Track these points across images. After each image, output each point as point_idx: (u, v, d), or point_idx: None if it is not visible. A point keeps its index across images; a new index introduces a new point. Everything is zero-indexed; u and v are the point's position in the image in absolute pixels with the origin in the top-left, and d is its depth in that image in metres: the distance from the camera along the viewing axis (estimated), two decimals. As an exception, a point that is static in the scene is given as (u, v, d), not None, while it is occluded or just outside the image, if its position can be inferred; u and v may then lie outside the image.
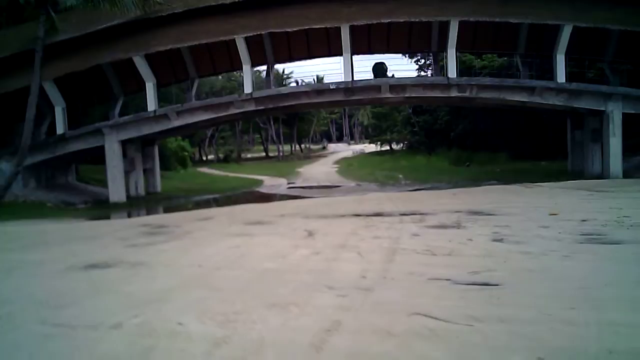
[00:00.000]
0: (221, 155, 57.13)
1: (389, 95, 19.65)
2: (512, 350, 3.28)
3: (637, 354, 3.20)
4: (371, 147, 55.03)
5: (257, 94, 20.24)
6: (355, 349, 3.41)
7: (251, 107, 20.17)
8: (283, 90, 21.98)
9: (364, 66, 74.95)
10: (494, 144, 31.75)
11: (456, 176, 24.30)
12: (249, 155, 63.78)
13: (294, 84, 48.53)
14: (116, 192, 19.68)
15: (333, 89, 19.81)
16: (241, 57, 19.44)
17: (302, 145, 67.84)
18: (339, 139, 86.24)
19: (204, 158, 58.67)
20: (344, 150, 63.22)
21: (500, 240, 7.17)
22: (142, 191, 21.65)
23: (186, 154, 37.66)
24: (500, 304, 4.24)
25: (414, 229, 8.69)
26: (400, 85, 19.97)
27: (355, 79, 19.87)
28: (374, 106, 51.67)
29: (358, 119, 75.02)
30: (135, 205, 19.06)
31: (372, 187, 22.51)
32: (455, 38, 18.48)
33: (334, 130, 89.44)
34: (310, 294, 4.79)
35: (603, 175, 18.93)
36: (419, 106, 39.00)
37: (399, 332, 3.66)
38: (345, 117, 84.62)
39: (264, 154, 64.92)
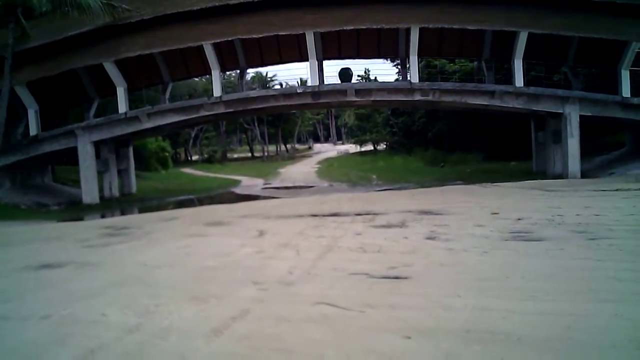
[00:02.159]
0: (206, 156, 57.40)
1: (355, 98, 20.28)
2: (384, 330, 3.73)
3: (491, 332, 3.64)
4: (356, 148, 55.71)
5: (226, 97, 20.73)
6: (250, 333, 3.84)
7: (221, 110, 20.69)
8: (252, 94, 22.65)
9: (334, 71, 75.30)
10: (468, 145, 32.49)
11: (427, 176, 24.95)
12: (235, 156, 64.20)
13: (277, 87, 49.11)
14: (89, 193, 20.02)
15: (300, 92, 20.43)
16: (210, 63, 19.93)
17: (288, 146, 68.32)
18: (327, 139, 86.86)
19: (190, 158, 59.00)
20: (329, 150, 63.83)
21: (433, 238, 7.65)
22: (116, 192, 21.97)
23: (166, 154, 37.94)
24: (397, 293, 4.70)
25: (360, 228, 9.15)
26: (365, 89, 20.75)
27: (325, 82, 20.42)
28: (357, 107, 52.44)
29: (344, 120, 75.69)
30: (107, 206, 19.40)
31: (343, 187, 23.07)
32: (417, 44, 19.16)
33: (322, 130, 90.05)
34: (235, 289, 5.20)
35: (563, 175, 19.70)
36: (397, 108, 39.68)
37: (296, 319, 4.11)
38: (331, 118, 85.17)
39: (249, 154, 65.35)
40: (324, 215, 11.39)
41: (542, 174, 20.89)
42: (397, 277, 5.29)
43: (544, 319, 3.77)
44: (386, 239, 7.75)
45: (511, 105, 20.27)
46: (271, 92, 23.14)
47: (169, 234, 9.90)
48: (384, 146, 49.85)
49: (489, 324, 3.75)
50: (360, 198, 15.96)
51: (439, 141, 35.22)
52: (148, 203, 20.87)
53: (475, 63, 26.71)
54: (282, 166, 45.14)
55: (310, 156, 59.27)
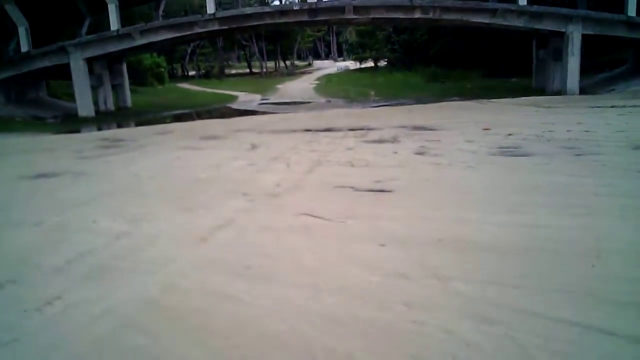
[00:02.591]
0: (203, 72, 56.25)
1: (353, 16, 19.70)
2: (362, 238, 3.89)
3: (463, 241, 3.79)
4: (356, 64, 54.48)
5: (220, 14, 20.22)
6: (234, 240, 4.01)
7: (215, 27, 20.29)
8: (246, 10, 21.75)
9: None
10: (469, 62, 31.77)
11: (426, 93, 24.57)
12: (233, 72, 62.79)
13: (277, 2, 47.17)
14: (84, 107, 20.04)
15: (297, 9, 19.81)
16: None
17: (287, 62, 66.70)
18: (327, 56, 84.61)
19: (186, 74, 57.87)
20: (329, 67, 62.36)
21: (422, 154, 7.73)
22: (111, 106, 21.89)
23: (162, 69, 37.20)
24: (379, 206, 4.84)
25: (352, 143, 9.22)
26: (364, 6, 19.99)
27: (320, -1, 19.75)
28: (356, 25, 50.63)
29: (346, 37, 73.18)
30: (103, 119, 19.39)
31: (340, 103, 22.86)
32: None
33: (323, 47, 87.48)
34: (224, 200, 5.34)
35: (561, 91, 19.50)
36: (399, 25, 38.35)
37: (278, 228, 4.26)
38: (332, 35, 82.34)
39: (247, 70, 63.92)
40: (318, 131, 11.40)
41: (541, 91, 20.63)
42: (381, 191, 5.42)
43: (518, 231, 3.92)
44: (376, 153, 7.84)
45: (513, 24, 19.70)
46: (266, 9, 22.23)
47: (162, 147, 9.97)
48: (385, 63, 48.66)
49: (463, 234, 3.90)
50: (356, 114, 15.89)
51: (440, 58, 34.37)
52: (143, 116, 20.75)
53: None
54: (281, 82, 44.39)
55: (309, 73, 58.08)
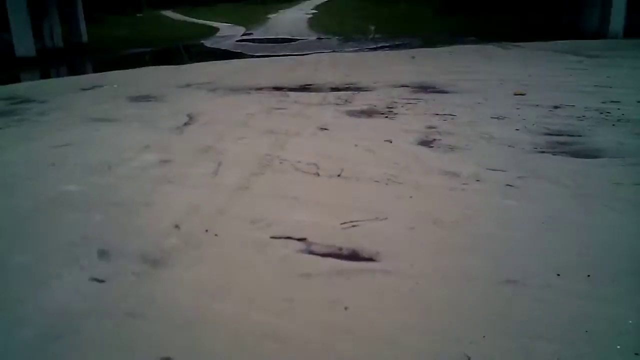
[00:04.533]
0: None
1: None
2: None
3: None
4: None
5: None
6: None
7: None
8: None
9: None
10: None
11: (435, 29, 21.09)
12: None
13: None
14: (22, 44, 16.31)
15: None
16: None
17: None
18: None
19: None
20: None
21: (429, 145, 5.05)
22: (59, 42, 18.47)
23: (139, -6, 33.29)
24: (342, 327, 2.22)
25: (329, 116, 6.49)
26: None
27: None
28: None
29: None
30: (45, 60, 16.16)
31: (332, 42, 19.48)
32: None
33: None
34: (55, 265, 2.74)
35: (601, 32, 16.08)
36: None
37: None
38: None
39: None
40: (290, 89, 8.59)
41: (573, 30, 17.07)
42: (352, 258, 2.79)
43: None
44: (360, 142, 5.14)
45: None
46: None
47: (69, 115, 7.21)
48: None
49: None
50: (347, 61, 12.80)
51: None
52: (94, 56, 17.52)
53: None
54: (274, 11, 40.40)
55: (312, -2, 53.45)
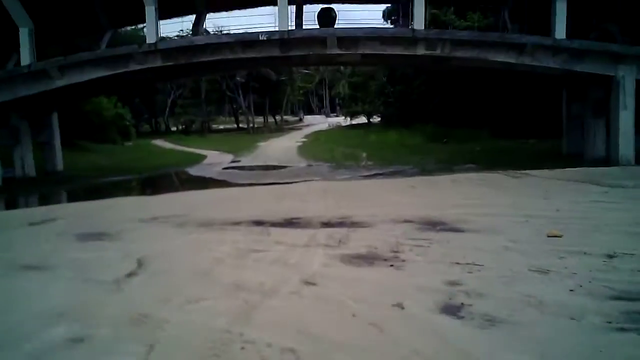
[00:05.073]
0: (182, 127, 52.60)
1: (337, 51, 15.11)
2: None
3: None
4: (348, 120, 51.05)
5: (163, 45, 15.69)
6: None
7: (157, 63, 15.61)
8: (197, 40, 16.54)
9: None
10: (475, 119, 27.88)
11: (428, 156, 20.28)
12: (221, 127, 59.24)
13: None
14: None
15: (264, 40, 15.07)
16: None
17: (277, 117, 63.30)
18: (320, 110, 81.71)
19: (169, 129, 54.24)
20: (320, 122, 59.22)
21: (457, 314, 3.41)
22: (32, 171, 17.31)
23: (127, 123, 33.20)
24: None
25: (317, 264, 4.89)
26: (350, 37, 15.21)
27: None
28: (350, 75, 47.80)
29: (339, 90, 70.36)
30: (12, 190, 14.84)
31: (323, 169, 18.47)
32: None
33: (315, 101, 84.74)
34: None
35: (609, 159, 15.08)
36: (394, 74, 35.07)
37: None
38: (325, 88, 79.65)
39: (235, 125, 60.32)
40: (273, 224, 7.06)
41: (577, 158, 16.10)
42: None
43: None
44: (356, 316, 3.46)
45: (545, 64, 15.24)
46: (224, 39, 16.50)
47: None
48: (379, 119, 44.96)
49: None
50: (339, 189, 11.45)
51: (440, 113, 30.54)
52: (63, 186, 16.20)
53: (492, 19, 21.79)
54: (265, 139, 40.53)
55: (299, 129, 54.56)
